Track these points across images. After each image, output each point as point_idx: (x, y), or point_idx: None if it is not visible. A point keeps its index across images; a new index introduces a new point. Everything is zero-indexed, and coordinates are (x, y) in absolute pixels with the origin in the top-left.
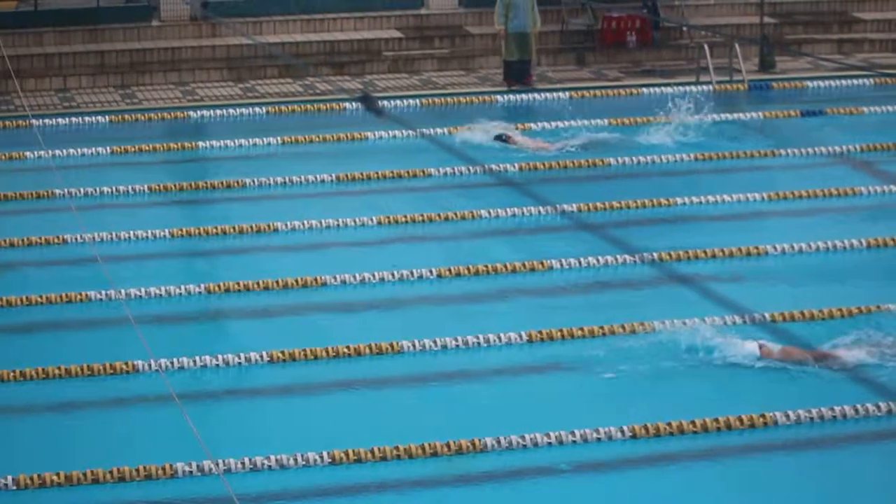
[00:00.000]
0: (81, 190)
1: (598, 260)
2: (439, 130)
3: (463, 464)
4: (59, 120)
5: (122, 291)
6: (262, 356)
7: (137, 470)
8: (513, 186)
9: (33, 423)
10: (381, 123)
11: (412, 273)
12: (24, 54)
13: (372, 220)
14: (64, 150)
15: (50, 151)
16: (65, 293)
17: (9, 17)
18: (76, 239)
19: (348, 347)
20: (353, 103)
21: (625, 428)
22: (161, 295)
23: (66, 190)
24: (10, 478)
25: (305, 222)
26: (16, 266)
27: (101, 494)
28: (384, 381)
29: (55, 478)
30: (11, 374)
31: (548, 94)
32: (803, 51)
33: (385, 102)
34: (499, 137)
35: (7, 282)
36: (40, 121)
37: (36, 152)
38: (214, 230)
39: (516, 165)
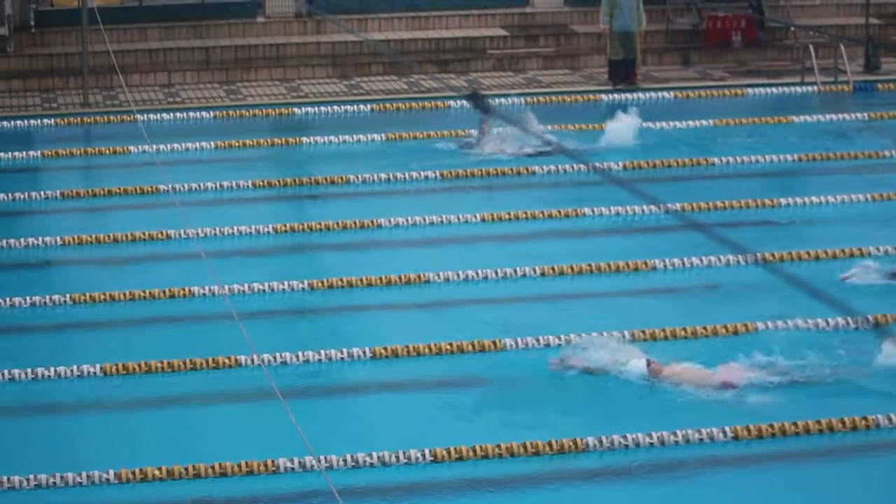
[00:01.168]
0: (186, 185)
1: (702, 260)
2: (543, 128)
3: (565, 463)
4: (164, 115)
5: (226, 287)
6: (364, 352)
7: (239, 465)
8: (617, 184)
9: (136, 417)
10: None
11: (515, 271)
12: (129, 49)
13: (475, 216)
14: (168, 146)
15: (154, 147)
16: (168, 288)
17: (114, 12)
18: (180, 234)
19: (451, 344)
20: (461, 101)
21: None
22: (264, 291)
23: (170, 185)
24: (111, 472)
25: (409, 219)
26: (120, 261)
27: (202, 489)
28: (486, 380)
29: (157, 472)
30: (114, 367)
31: (652, 94)
32: None
33: (493, 101)
34: (463, 146)
35: (111, 277)
36: (145, 116)
37: (140, 147)
38: (318, 226)
39: (620, 164)
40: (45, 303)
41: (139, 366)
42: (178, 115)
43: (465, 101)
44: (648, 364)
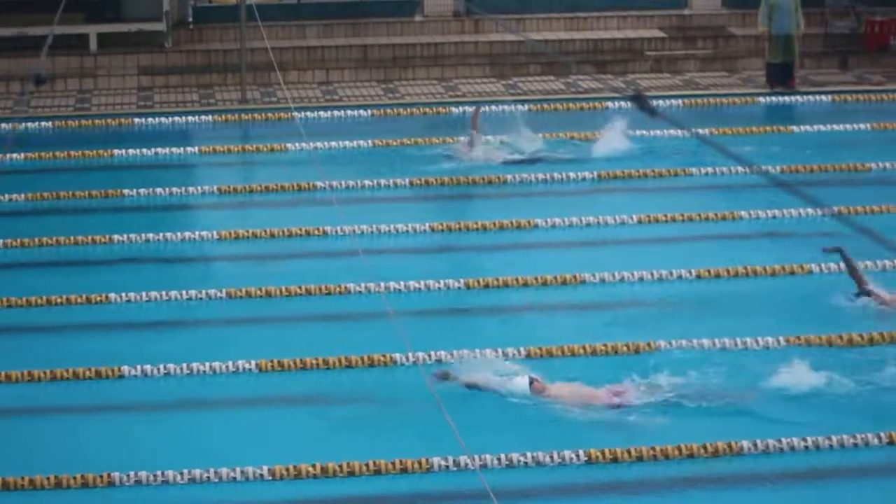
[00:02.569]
0: (343, 183)
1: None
2: (701, 131)
3: (721, 465)
4: (321, 113)
5: (382, 285)
6: (518, 352)
7: (393, 463)
8: (774, 188)
9: (291, 413)
10: (648, 122)
11: (671, 273)
12: (287, 47)
13: (632, 218)
14: (325, 143)
15: (311, 144)
16: (324, 285)
17: (273, 9)
18: (337, 231)
19: (605, 346)
20: (624, 101)
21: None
22: (420, 289)
23: (327, 183)
24: (265, 468)
25: (565, 219)
26: (277, 257)
27: (356, 487)
28: (640, 379)
29: (311, 469)
30: (269, 363)
31: (810, 98)
32: None
33: (656, 102)
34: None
35: (267, 273)
36: (302, 113)
37: (297, 144)
38: (475, 225)
39: (778, 168)
40: (200, 297)
41: (294, 362)
42: (335, 112)
43: (629, 103)
44: (531, 382)
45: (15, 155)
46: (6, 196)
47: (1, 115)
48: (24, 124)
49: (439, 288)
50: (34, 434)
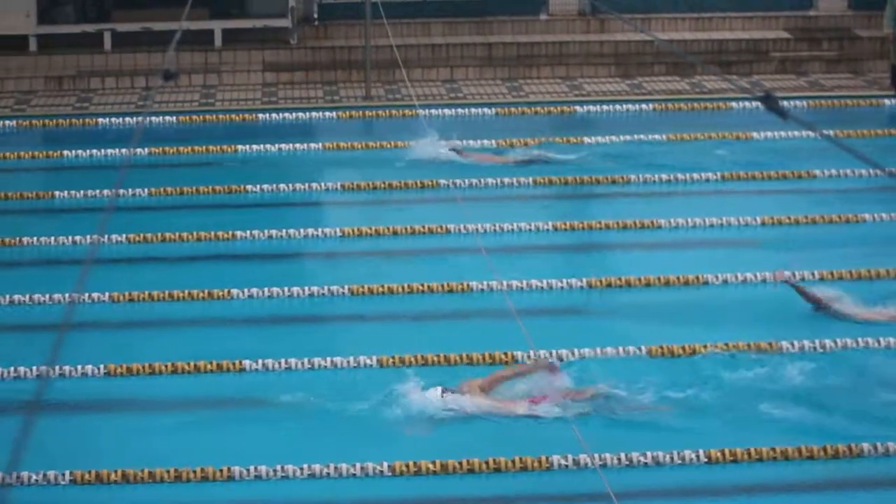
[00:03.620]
0: (466, 181)
1: None
2: (827, 132)
3: (839, 469)
4: (445, 111)
5: (504, 283)
6: (640, 349)
7: (513, 461)
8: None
9: (407, 409)
10: (773, 123)
11: (793, 275)
12: (412, 44)
13: (755, 219)
14: (448, 141)
15: (437, 140)
16: (447, 283)
17: (398, 6)
18: (460, 229)
19: (727, 345)
20: (751, 102)
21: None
22: (542, 288)
23: (450, 181)
24: (385, 464)
25: (689, 220)
26: (398, 254)
27: (476, 484)
28: (769, 382)
29: (430, 466)
30: (391, 359)
31: None
32: None
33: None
34: (453, 150)
35: (389, 270)
36: (426, 111)
37: (422, 142)
38: (597, 225)
39: None
40: (323, 294)
41: (415, 358)
42: (459, 110)
43: (758, 103)
44: (443, 391)
45: (139, 150)
46: (130, 191)
47: (126, 110)
48: (148, 119)
49: (561, 287)
50: (156, 428)
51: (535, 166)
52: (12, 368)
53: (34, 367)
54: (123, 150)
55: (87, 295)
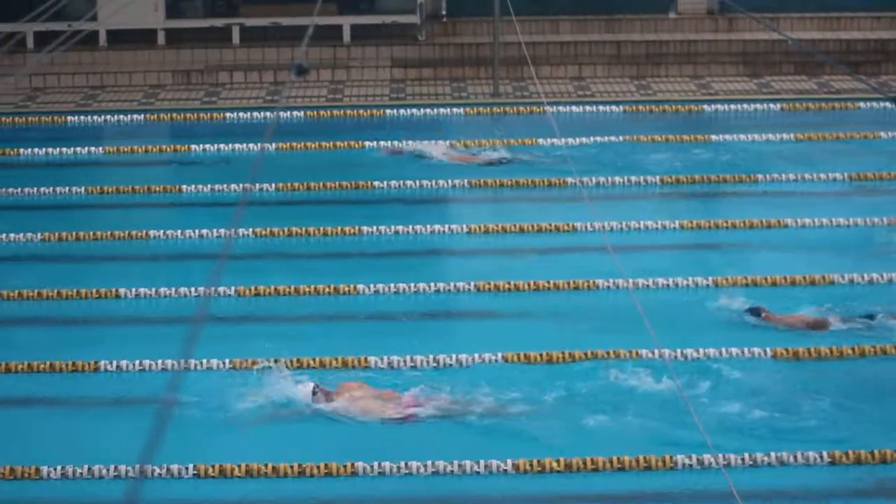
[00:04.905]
0: (593, 179)
1: None
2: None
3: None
4: (573, 108)
5: (630, 281)
6: (764, 352)
7: (637, 460)
8: None
9: (524, 407)
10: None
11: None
12: (541, 41)
13: (882, 220)
14: (576, 139)
15: (563, 140)
16: (573, 280)
17: (527, 3)
18: (586, 227)
19: (853, 349)
20: (878, 103)
21: None
22: (668, 286)
23: (578, 179)
24: (509, 462)
25: (815, 220)
26: (526, 252)
27: (600, 482)
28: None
29: (554, 464)
30: (515, 356)
31: None
32: None
33: None
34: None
35: (515, 267)
36: (554, 108)
37: (549, 140)
38: (724, 224)
39: None
40: (448, 290)
41: (540, 356)
42: (587, 108)
43: (888, 104)
44: (314, 391)
45: (267, 145)
46: (258, 186)
47: (254, 105)
48: (277, 114)
49: (687, 286)
50: (284, 421)
51: (667, 164)
52: (137, 361)
53: (157, 361)
54: (251, 145)
55: (213, 289)
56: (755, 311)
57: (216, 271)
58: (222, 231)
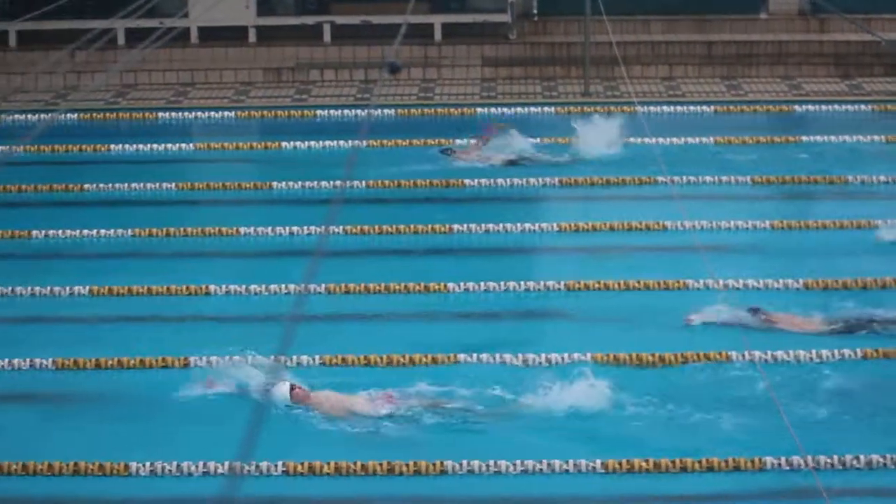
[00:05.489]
0: (684, 178)
1: None
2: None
3: None
4: (664, 108)
5: (720, 281)
6: (855, 353)
7: (726, 462)
8: None
9: (615, 405)
10: None
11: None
12: (632, 41)
13: None
14: (667, 139)
15: (654, 139)
16: (663, 280)
17: (618, 3)
18: (676, 226)
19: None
20: None
21: None
22: (759, 287)
23: (668, 178)
24: (598, 461)
25: None
26: (616, 251)
27: (688, 483)
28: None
29: (643, 464)
30: (605, 357)
31: None
32: None
33: None
34: (443, 151)
35: (605, 266)
36: (645, 108)
37: (640, 139)
38: (815, 224)
39: None
40: (538, 289)
41: (629, 357)
42: (677, 108)
43: None
44: (292, 389)
45: (357, 142)
46: (349, 183)
47: (345, 103)
48: (367, 112)
49: (777, 287)
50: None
51: (757, 164)
52: (227, 357)
53: (247, 357)
54: (342, 143)
55: (293, 285)
56: (752, 312)
57: (311, 268)
58: (312, 228)
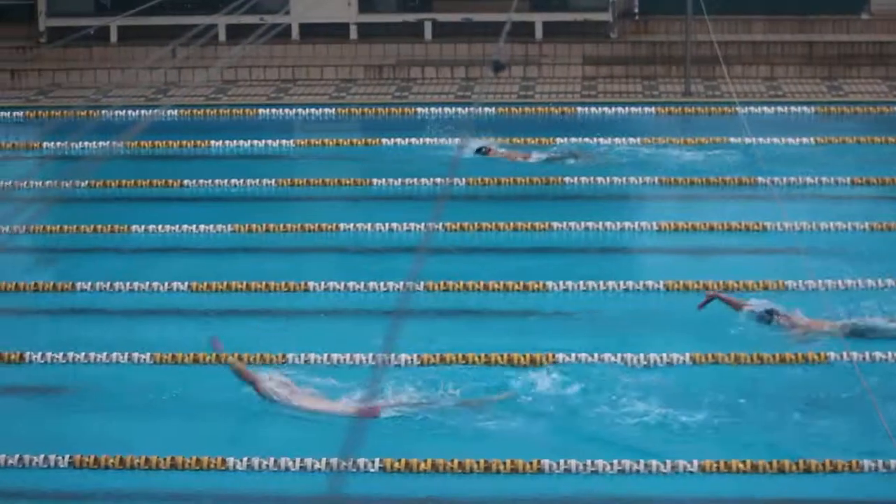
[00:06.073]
0: (784, 179)
1: None
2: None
3: None
4: (765, 108)
5: (820, 282)
6: None
7: (823, 464)
8: None
9: (699, 408)
10: None
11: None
12: (733, 41)
13: None
14: (768, 139)
15: (754, 139)
16: (762, 281)
17: (719, 2)
18: (776, 227)
19: None
20: None
21: None
22: (858, 287)
23: (768, 178)
24: (696, 462)
25: None
26: (715, 252)
27: (785, 485)
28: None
29: (766, 465)
30: (703, 357)
31: None
32: None
33: None
34: (479, 150)
35: (704, 267)
36: (746, 108)
37: (740, 139)
38: None
39: None
40: (637, 289)
41: (728, 356)
42: (778, 108)
43: None
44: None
45: (459, 140)
46: (447, 180)
47: (446, 100)
48: (467, 109)
49: (875, 287)
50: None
51: (858, 165)
52: (325, 355)
53: (346, 355)
54: (442, 140)
55: (401, 283)
56: (769, 314)
57: (416, 266)
58: (412, 225)
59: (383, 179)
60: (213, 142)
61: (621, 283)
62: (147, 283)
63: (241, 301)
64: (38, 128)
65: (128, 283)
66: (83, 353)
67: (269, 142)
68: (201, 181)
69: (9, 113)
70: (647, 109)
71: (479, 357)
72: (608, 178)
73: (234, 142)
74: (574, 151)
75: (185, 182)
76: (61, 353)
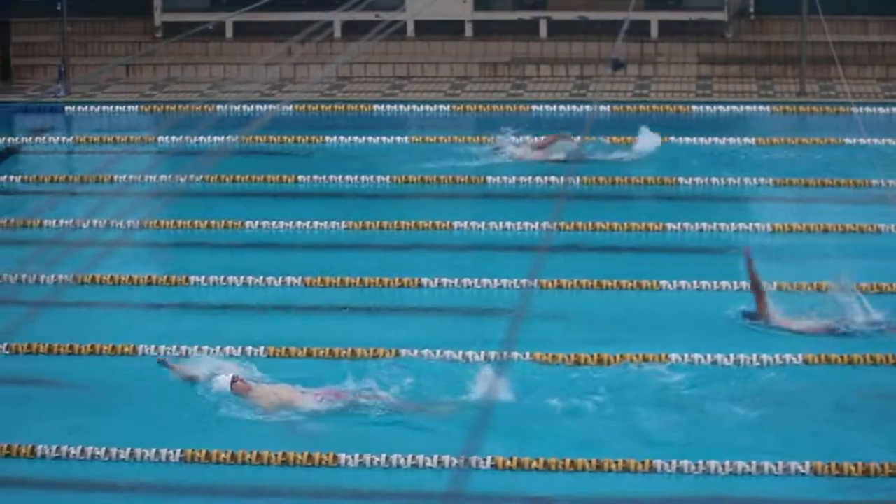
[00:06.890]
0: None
1: None
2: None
3: None
4: (880, 109)
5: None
6: None
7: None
8: None
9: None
10: None
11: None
12: (848, 41)
13: None
14: (883, 140)
15: (870, 140)
16: (875, 283)
17: (836, 2)
18: (891, 230)
19: None
20: None
21: None
22: None
23: (883, 180)
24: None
25: None
26: (829, 254)
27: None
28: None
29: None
30: (817, 358)
31: None
32: None
33: None
34: (496, 149)
35: (819, 267)
36: (861, 109)
37: (855, 140)
38: None
39: None
40: (749, 288)
41: (829, 357)
42: (893, 109)
43: None
44: (233, 381)
45: (576, 138)
46: (565, 179)
47: (560, 98)
48: (582, 107)
49: None
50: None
51: None
52: (438, 351)
53: (458, 352)
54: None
55: (505, 280)
56: (749, 316)
57: (537, 264)
58: (526, 224)
59: (497, 177)
60: (327, 137)
61: (735, 283)
62: (262, 278)
63: (354, 296)
64: (153, 123)
65: (241, 277)
66: (196, 347)
67: (384, 138)
68: (316, 177)
69: (124, 107)
70: (761, 109)
71: (592, 357)
72: (723, 179)
73: (349, 138)
74: (588, 152)
75: (300, 178)
76: (174, 346)
